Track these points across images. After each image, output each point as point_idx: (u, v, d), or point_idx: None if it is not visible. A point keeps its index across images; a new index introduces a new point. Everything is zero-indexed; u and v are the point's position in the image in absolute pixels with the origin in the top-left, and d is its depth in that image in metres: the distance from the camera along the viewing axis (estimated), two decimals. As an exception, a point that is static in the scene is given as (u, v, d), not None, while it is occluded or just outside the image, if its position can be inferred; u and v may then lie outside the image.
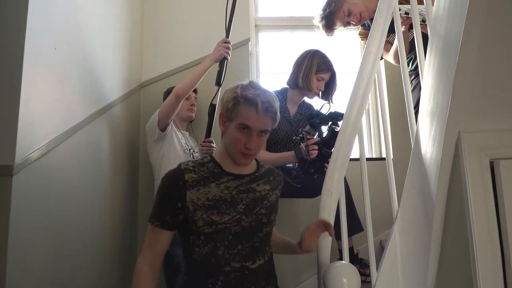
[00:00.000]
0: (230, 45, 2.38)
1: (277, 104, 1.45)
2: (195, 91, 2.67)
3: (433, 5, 1.55)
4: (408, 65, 2.50)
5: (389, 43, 2.54)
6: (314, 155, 2.15)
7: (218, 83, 2.38)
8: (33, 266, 1.50)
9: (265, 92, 1.45)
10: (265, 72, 3.36)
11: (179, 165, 1.47)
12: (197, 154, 2.52)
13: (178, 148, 2.45)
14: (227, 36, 2.41)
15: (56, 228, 1.67)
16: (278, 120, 1.47)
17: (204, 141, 2.41)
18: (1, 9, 1.49)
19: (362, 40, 2.85)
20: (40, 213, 1.56)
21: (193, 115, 2.64)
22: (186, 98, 2.58)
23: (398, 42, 1.83)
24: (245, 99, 1.41)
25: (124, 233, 2.49)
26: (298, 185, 2.29)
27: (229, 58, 2.39)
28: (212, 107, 2.39)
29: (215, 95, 2.37)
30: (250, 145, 1.41)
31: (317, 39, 3.31)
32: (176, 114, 2.55)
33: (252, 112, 1.40)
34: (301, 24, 3.38)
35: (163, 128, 2.38)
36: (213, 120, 2.38)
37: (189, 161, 1.51)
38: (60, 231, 1.70)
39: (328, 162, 2.09)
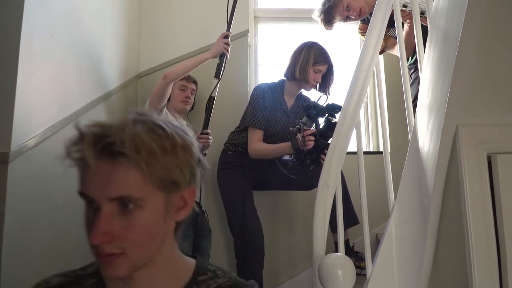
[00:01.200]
0: (229, 41, 2.37)
1: (149, 140, 0.72)
2: (195, 83, 2.66)
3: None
4: (408, 59, 2.50)
5: (394, 38, 2.54)
6: (310, 146, 2.15)
7: (218, 75, 2.37)
8: (29, 253, 1.50)
9: (115, 125, 0.73)
10: (263, 64, 3.34)
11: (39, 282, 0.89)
12: None
13: None
14: (228, 29, 2.39)
15: (52, 216, 1.67)
16: (158, 173, 0.73)
17: (201, 133, 2.40)
18: (-2, -4, 1.48)
19: (361, 35, 2.84)
20: (36, 201, 1.55)
21: (187, 107, 2.61)
22: (182, 90, 2.56)
23: (397, 35, 1.82)
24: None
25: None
26: (293, 176, 2.30)
27: (228, 54, 2.37)
28: (211, 99, 2.38)
29: (214, 87, 2.37)
30: (95, 230, 0.72)
31: (316, 32, 3.29)
32: (170, 104, 2.55)
33: (83, 165, 0.74)
34: (301, 16, 3.36)
35: None
36: (211, 112, 2.38)
37: (67, 271, 0.91)
38: (56, 219, 1.70)
39: (324, 154, 2.09)
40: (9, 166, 1.38)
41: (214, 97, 2.38)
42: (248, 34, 3.09)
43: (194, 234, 2.31)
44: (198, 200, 2.39)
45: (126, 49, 2.71)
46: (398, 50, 2.57)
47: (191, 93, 2.61)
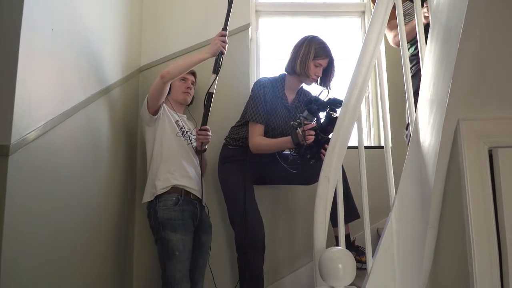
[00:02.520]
0: (226, 39, 2.35)
1: None
2: (194, 74, 2.65)
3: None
4: (409, 49, 2.48)
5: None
6: (311, 140, 2.15)
7: (216, 70, 2.37)
8: (29, 248, 1.50)
9: None
10: (265, 58, 3.33)
11: None
12: (194, 136, 2.50)
13: (169, 132, 2.43)
14: (225, 28, 2.38)
15: (53, 210, 1.67)
16: None
17: (200, 129, 2.39)
18: (-3, -12, 1.47)
19: (372, 3, 2.81)
20: (36, 194, 1.55)
21: (189, 98, 2.60)
22: (183, 80, 2.56)
23: (399, 27, 1.81)
24: None
25: (121, 216, 2.49)
26: (294, 170, 2.30)
27: (225, 52, 2.35)
28: (209, 95, 2.38)
29: (213, 82, 2.36)
30: None
31: (317, 25, 3.29)
32: (171, 96, 2.54)
33: None
34: (302, 10, 3.35)
35: (153, 111, 2.37)
36: (210, 108, 2.38)
37: None
38: (56, 213, 1.70)
39: (325, 148, 2.09)
40: (9, 159, 1.38)
41: (212, 93, 2.38)
42: (250, 28, 3.07)
43: (195, 229, 2.32)
44: (199, 196, 2.40)
45: (127, 42, 2.70)
46: (391, 39, 2.57)
47: (192, 84, 2.61)
